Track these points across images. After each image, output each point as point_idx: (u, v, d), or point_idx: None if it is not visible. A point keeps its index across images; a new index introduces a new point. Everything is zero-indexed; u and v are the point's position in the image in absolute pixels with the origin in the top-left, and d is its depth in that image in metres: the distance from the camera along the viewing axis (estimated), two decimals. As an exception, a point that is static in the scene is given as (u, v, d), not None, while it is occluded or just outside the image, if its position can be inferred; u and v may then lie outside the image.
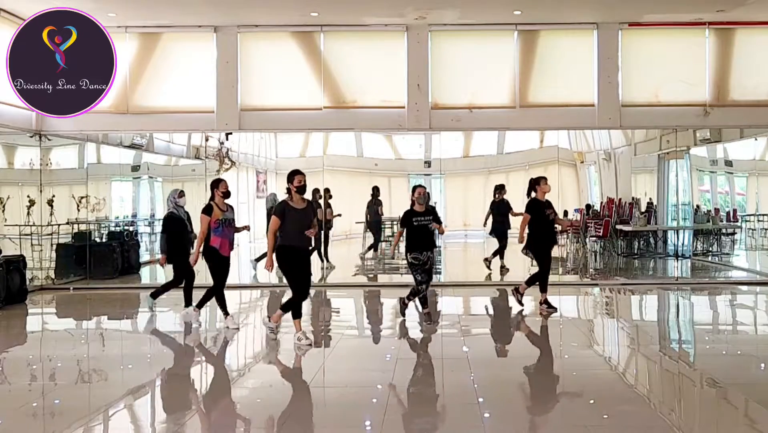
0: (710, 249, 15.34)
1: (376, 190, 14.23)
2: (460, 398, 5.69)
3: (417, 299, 8.67)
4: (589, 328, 8.99)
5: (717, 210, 15.53)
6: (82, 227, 13.13)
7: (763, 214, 14.39)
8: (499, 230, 12.96)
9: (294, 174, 7.36)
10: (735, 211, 15.51)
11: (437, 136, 13.22)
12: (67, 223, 13.02)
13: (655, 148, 14.53)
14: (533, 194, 9.15)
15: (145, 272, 14.48)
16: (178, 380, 6.65)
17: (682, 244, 14.54)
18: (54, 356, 7.56)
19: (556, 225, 9.39)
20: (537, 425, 5.16)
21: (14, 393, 6.03)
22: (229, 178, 15.06)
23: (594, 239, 14.40)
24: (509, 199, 13.11)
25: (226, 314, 8.41)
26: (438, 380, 6.37)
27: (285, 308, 7.64)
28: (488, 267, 13.25)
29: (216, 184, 8.27)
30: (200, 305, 8.64)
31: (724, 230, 15.41)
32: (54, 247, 12.62)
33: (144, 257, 14.84)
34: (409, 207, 8.47)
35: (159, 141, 15.05)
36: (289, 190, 7.36)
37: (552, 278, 9.49)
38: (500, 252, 13.03)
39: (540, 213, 9.00)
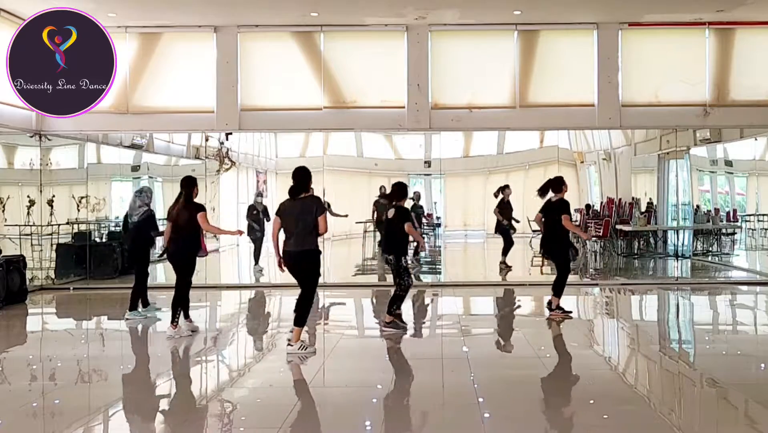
0: (710, 249, 15.34)
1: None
2: (460, 398, 5.69)
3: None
4: (589, 328, 8.99)
5: (717, 210, 15.53)
6: (82, 227, 13.13)
7: (763, 214, 14.38)
8: None
9: None
10: (735, 211, 15.51)
11: (437, 136, 13.21)
12: (67, 223, 13.01)
13: (655, 148, 14.53)
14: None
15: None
16: (178, 380, 6.65)
17: (682, 244, 14.54)
18: (54, 356, 7.56)
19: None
20: (537, 425, 5.16)
21: (14, 393, 6.03)
22: (228, 178, 15.12)
23: (594, 238, 14.39)
24: (510, 199, 13.10)
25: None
26: (438, 380, 6.37)
27: None
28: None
29: None
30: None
31: (724, 230, 15.41)
32: (54, 247, 12.63)
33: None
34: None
35: (159, 141, 15.05)
36: None
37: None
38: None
39: None
